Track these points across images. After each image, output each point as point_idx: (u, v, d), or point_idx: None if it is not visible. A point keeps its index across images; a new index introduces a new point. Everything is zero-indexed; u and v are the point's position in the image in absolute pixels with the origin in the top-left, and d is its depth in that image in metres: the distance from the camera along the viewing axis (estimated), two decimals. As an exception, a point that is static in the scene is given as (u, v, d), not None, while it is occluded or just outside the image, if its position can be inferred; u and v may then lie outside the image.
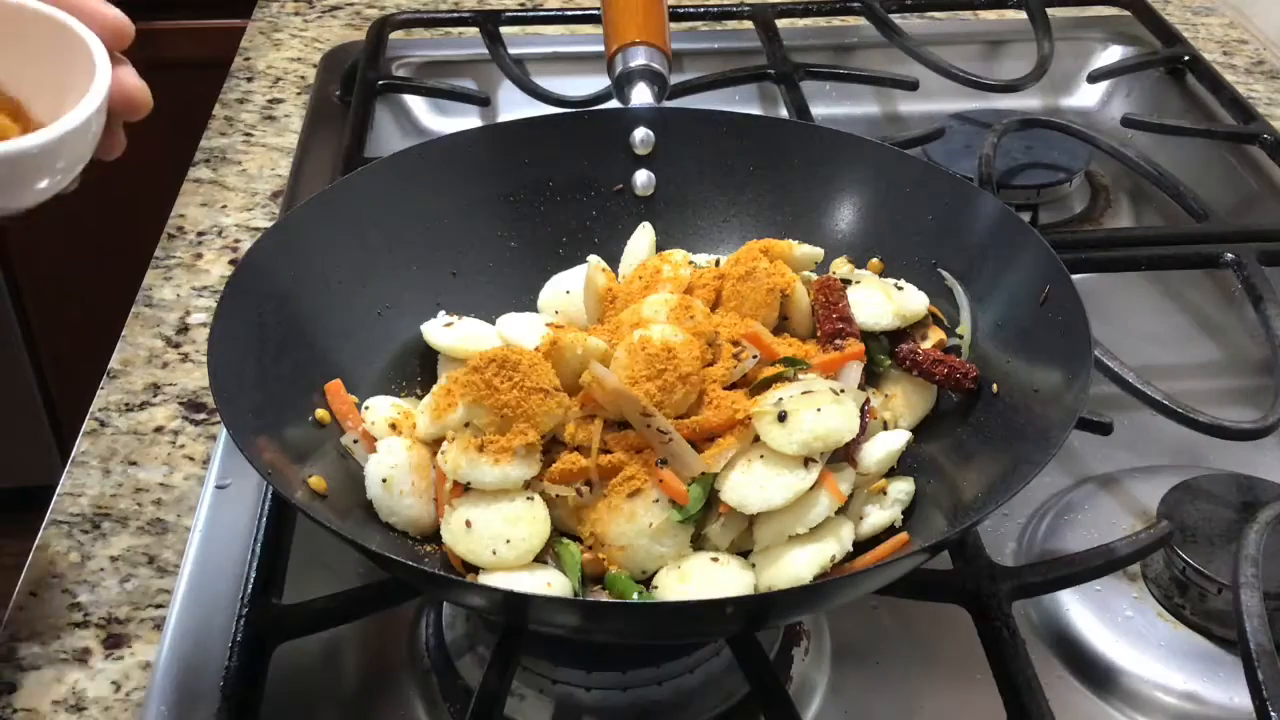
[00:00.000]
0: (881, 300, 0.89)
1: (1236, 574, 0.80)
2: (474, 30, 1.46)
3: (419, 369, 0.91)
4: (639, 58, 1.07)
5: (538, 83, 1.40)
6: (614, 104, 1.07)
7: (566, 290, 0.94)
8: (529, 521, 0.76)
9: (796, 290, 0.89)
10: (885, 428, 0.85)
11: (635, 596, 0.75)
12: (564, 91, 1.37)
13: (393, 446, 0.80)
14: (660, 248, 0.97)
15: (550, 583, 0.75)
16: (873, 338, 0.88)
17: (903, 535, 0.79)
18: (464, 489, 0.78)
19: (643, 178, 1.01)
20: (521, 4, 1.65)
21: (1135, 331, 1.13)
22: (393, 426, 0.82)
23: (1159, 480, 0.93)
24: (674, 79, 1.42)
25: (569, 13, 1.52)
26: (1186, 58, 1.45)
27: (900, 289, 0.90)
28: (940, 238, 0.92)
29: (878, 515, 0.79)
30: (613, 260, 0.96)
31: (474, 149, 0.98)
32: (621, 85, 1.06)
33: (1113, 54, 1.54)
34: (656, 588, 0.76)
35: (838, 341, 0.86)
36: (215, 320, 0.78)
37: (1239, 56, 1.57)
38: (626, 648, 0.82)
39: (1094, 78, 1.47)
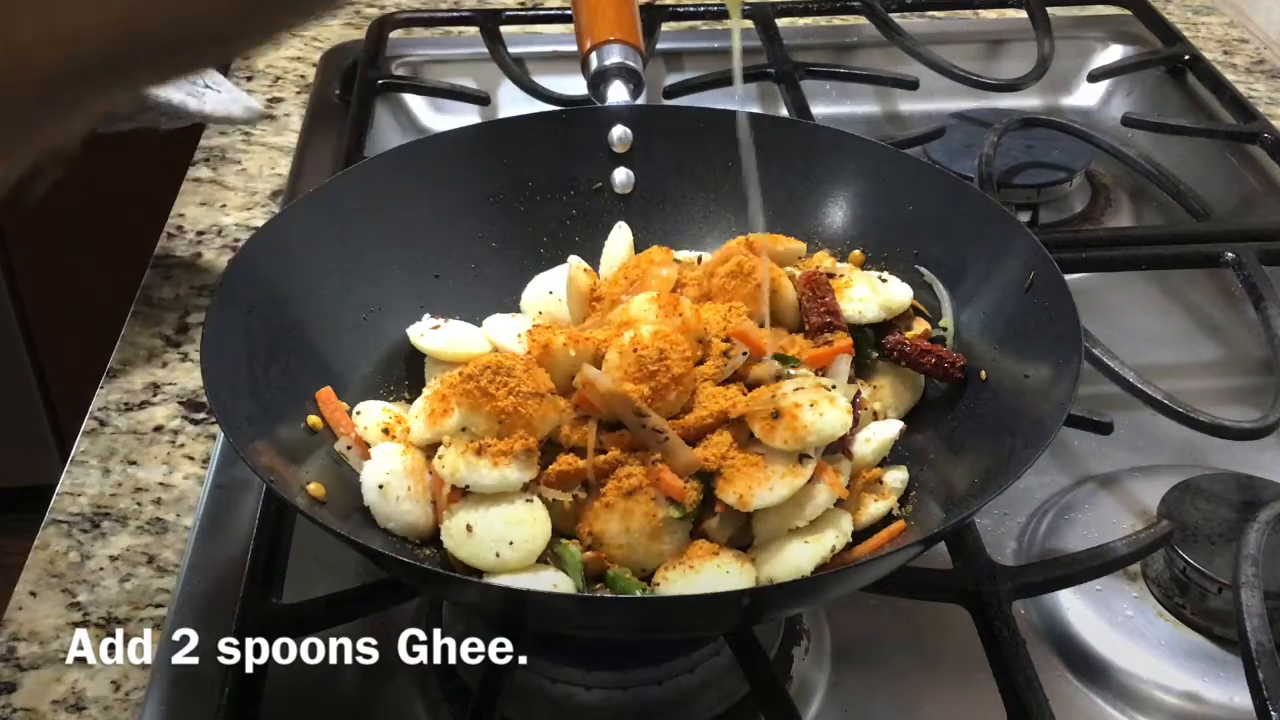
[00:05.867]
0: (867, 293, 0.89)
1: (1237, 573, 0.80)
2: (474, 29, 1.46)
3: (405, 372, 0.91)
4: (614, 55, 1.07)
5: (538, 82, 1.39)
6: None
7: (549, 290, 0.93)
8: (530, 523, 0.76)
9: (784, 285, 0.89)
10: (875, 418, 0.85)
11: (638, 594, 0.75)
12: (564, 91, 1.36)
13: (387, 452, 0.80)
14: (642, 245, 0.97)
15: (556, 584, 0.75)
16: (858, 330, 0.88)
17: (900, 523, 0.79)
18: (462, 493, 0.77)
19: (621, 176, 1.01)
20: (521, 3, 1.65)
21: (1135, 331, 1.13)
22: (385, 431, 0.82)
23: (1159, 480, 0.93)
24: (674, 78, 1.43)
25: (569, 12, 1.52)
26: (1187, 57, 1.45)
27: (884, 281, 0.90)
28: (921, 228, 0.93)
29: (874, 504, 0.80)
30: (593, 259, 0.96)
31: (452, 149, 0.98)
32: (597, 84, 1.06)
33: (1113, 53, 1.54)
34: (658, 585, 0.76)
35: (825, 335, 0.87)
36: (205, 331, 0.78)
37: (1239, 56, 1.57)
38: (626, 647, 0.82)
39: (1094, 77, 1.47)
